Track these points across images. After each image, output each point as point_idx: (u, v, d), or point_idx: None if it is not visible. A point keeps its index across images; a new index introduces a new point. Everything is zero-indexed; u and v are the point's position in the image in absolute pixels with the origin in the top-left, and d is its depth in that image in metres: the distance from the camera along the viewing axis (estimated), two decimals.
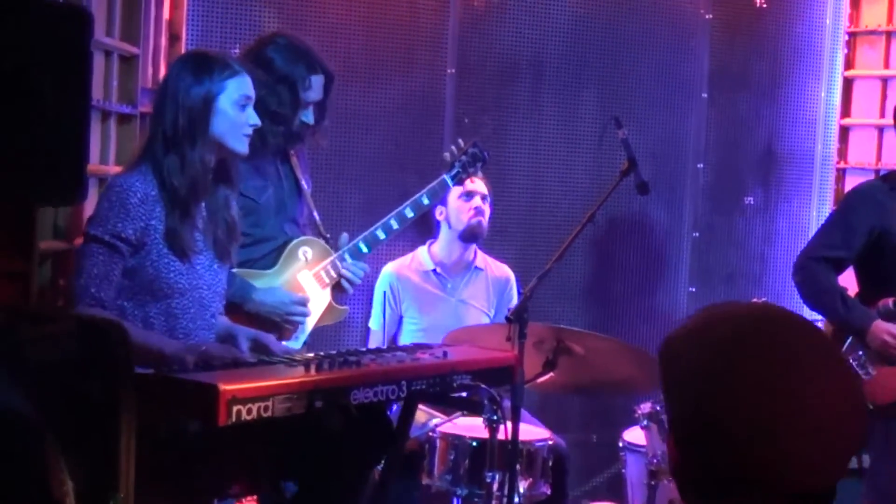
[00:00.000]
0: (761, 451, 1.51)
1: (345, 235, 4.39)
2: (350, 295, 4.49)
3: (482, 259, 5.44)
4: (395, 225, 4.45)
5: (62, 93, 2.61)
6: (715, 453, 1.55)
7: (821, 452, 1.52)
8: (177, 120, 3.42)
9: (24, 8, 2.71)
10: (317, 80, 4.27)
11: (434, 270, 5.35)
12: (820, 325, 5.61)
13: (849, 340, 4.67)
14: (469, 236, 5.28)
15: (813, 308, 4.87)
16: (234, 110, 3.49)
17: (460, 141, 4.68)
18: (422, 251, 5.39)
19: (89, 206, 4.14)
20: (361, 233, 4.43)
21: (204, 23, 5.23)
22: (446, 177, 4.58)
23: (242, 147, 3.53)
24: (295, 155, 4.40)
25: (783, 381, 1.52)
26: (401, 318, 5.29)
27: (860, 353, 4.64)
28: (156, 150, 3.44)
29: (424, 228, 5.42)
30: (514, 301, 5.21)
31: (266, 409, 2.90)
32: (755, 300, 5.12)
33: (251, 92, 3.55)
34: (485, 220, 5.28)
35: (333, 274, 4.31)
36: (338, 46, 5.29)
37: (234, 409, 2.83)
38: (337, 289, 4.41)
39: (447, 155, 4.63)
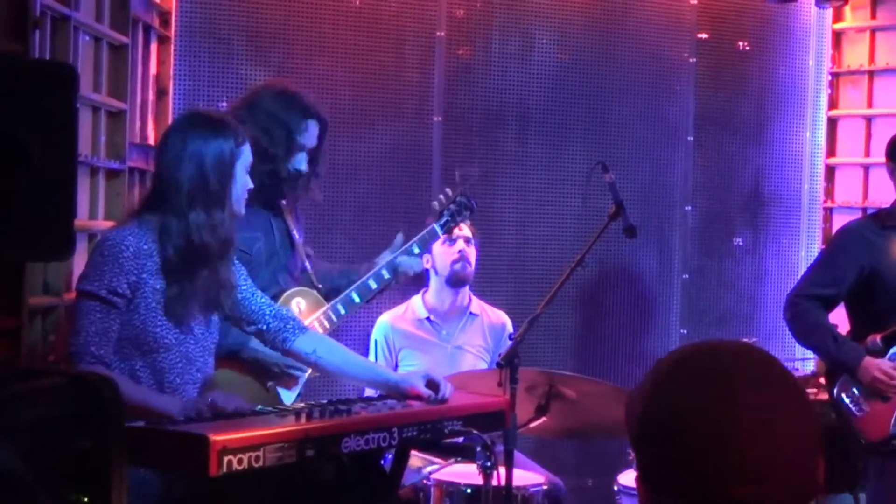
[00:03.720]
0: (676, 457, 1.62)
1: (399, 236, 4.46)
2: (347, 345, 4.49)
3: (477, 305, 5.44)
4: (385, 275, 4.45)
5: (49, 149, 2.63)
6: (648, 459, 1.67)
7: (729, 466, 1.58)
8: (201, 180, 3.41)
9: (10, 66, 2.73)
10: (312, 125, 4.28)
11: (428, 318, 5.35)
12: (812, 362, 5.63)
13: (843, 378, 4.68)
14: (455, 281, 5.28)
15: (804, 346, 4.89)
16: (244, 176, 3.53)
17: (448, 190, 4.69)
18: (416, 300, 5.40)
19: (78, 262, 4.16)
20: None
21: (191, 77, 5.28)
22: (436, 226, 4.58)
23: (241, 209, 3.56)
24: (288, 207, 4.41)
25: (700, 398, 1.63)
26: (396, 366, 5.29)
27: (854, 390, 4.64)
28: (169, 208, 3.42)
29: (416, 278, 5.43)
30: None
31: (257, 458, 2.90)
32: (745, 340, 5.13)
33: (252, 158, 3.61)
34: (470, 264, 5.28)
35: (327, 324, 4.31)
36: (325, 97, 5.32)
37: (225, 459, 2.83)
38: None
39: (435, 204, 4.63)
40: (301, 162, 4.27)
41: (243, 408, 3.30)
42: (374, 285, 4.43)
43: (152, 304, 3.39)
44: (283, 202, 4.37)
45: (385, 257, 4.47)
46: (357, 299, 4.39)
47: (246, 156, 3.53)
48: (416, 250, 4.53)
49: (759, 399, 1.61)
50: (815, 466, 1.63)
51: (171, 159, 3.43)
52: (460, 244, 5.24)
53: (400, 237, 4.49)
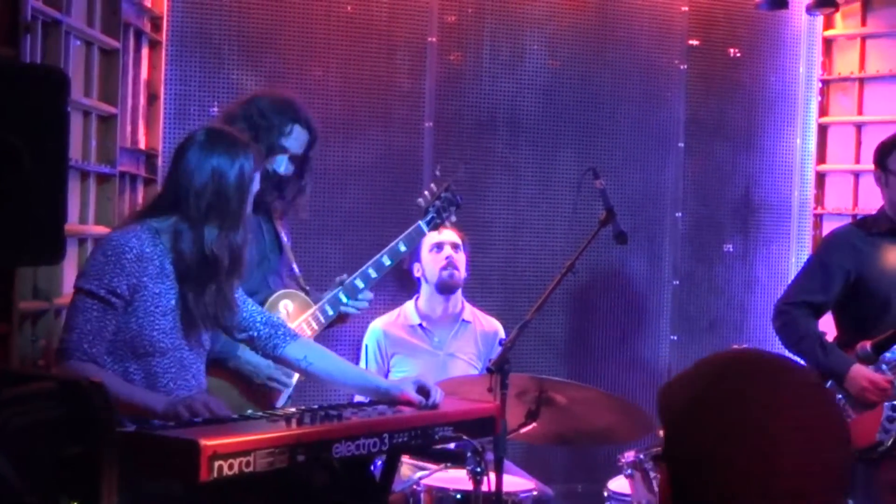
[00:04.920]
0: (720, 478, 1.62)
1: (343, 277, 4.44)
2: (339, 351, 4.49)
3: (470, 312, 5.44)
4: (373, 274, 4.44)
5: (40, 154, 2.62)
6: (685, 480, 1.67)
7: (774, 481, 1.57)
8: (222, 196, 3.44)
9: (1, 70, 2.73)
10: (299, 131, 4.26)
11: (420, 325, 5.35)
12: None
13: (829, 384, 4.69)
14: (444, 288, 5.28)
15: (792, 353, 4.88)
16: (251, 200, 3.58)
17: (433, 186, 4.69)
18: (408, 306, 5.41)
19: (68, 266, 4.16)
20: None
21: (182, 82, 5.27)
22: (421, 223, 4.58)
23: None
24: (277, 212, 4.41)
25: (740, 413, 1.63)
26: (387, 372, 5.28)
27: (839, 397, 4.65)
28: (185, 217, 3.44)
29: (409, 285, 5.44)
30: None
31: (248, 464, 2.90)
32: (735, 347, 5.14)
33: None
34: (458, 270, 5.28)
35: (315, 326, 4.31)
36: (316, 102, 5.32)
37: (216, 464, 2.82)
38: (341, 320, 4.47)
39: (421, 200, 4.63)
40: (280, 164, 4.25)
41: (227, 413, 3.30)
42: (361, 285, 4.43)
43: (150, 307, 3.40)
44: (273, 205, 4.36)
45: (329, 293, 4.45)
46: (344, 299, 4.39)
47: (257, 182, 3.58)
48: (403, 248, 4.51)
49: (800, 420, 1.63)
50: (844, 484, 1.65)
51: (192, 170, 3.45)
52: (448, 250, 5.24)
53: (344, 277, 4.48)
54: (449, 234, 5.24)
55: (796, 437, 1.61)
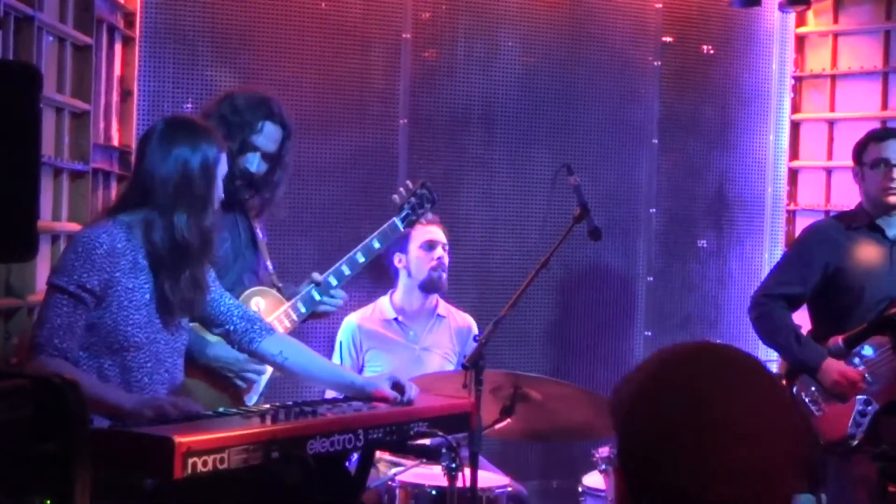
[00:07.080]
0: (658, 459, 1.63)
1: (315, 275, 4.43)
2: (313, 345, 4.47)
3: (444, 307, 5.45)
4: (346, 271, 4.44)
5: (11, 150, 2.61)
6: (635, 479, 1.67)
7: (721, 476, 1.59)
8: (187, 182, 3.44)
9: None
10: (271, 128, 4.25)
11: (396, 319, 5.35)
12: (776, 364, 5.68)
13: (802, 377, 4.72)
14: (430, 287, 5.28)
15: (768, 345, 4.93)
16: (220, 183, 3.56)
17: (409, 182, 4.68)
18: (383, 300, 5.40)
19: (41, 264, 4.14)
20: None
21: (156, 79, 5.25)
22: (396, 220, 4.57)
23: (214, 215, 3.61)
24: (253, 210, 4.40)
25: (682, 408, 1.63)
26: (362, 367, 5.28)
27: (813, 389, 4.69)
28: (154, 207, 3.44)
29: (384, 279, 5.43)
30: None
31: (222, 460, 2.89)
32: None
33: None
34: (446, 271, 5.28)
35: (287, 323, 4.31)
36: (290, 100, 5.30)
37: (190, 461, 2.82)
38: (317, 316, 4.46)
39: (396, 197, 4.62)
40: (251, 162, 4.24)
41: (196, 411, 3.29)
42: (334, 282, 4.42)
43: (124, 302, 3.40)
44: (247, 200, 4.34)
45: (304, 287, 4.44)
46: (317, 296, 4.39)
47: (223, 164, 3.57)
48: (377, 245, 4.51)
49: (744, 405, 1.62)
50: (796, 470, 1.64)
51: (157, 160, 3.45)
52: (439, 251, 5.24)
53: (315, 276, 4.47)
54: (439, 234, 5.24)
55: (741, 430, 1.60)
